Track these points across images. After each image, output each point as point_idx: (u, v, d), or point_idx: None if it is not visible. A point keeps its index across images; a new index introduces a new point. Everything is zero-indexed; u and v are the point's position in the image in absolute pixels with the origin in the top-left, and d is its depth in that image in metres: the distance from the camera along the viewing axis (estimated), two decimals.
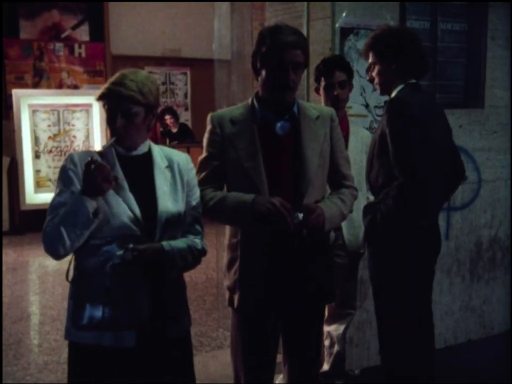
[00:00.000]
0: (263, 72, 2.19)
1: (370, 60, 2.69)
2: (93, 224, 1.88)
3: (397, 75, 2.63)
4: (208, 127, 2.29)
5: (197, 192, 2.15)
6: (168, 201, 2.03)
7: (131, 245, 1.91)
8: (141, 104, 1.99)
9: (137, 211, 1.97)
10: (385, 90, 2.71)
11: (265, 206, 2.07)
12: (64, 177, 1.98)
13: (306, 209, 2.14)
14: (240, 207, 2.14)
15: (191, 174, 2.14)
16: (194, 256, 2.08)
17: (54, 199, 1.97)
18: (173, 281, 2.08)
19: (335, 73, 3.00)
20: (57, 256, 1.93)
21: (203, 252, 2.12)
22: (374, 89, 2.79)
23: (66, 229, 1.87)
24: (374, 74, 2.68)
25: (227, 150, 2.24)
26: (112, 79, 2.02)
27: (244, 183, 2.20)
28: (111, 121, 1.99)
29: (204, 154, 2.29)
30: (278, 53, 2.13)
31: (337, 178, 2.37)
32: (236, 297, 2.27)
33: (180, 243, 2.04)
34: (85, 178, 1.86)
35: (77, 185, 1.94)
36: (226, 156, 2.24)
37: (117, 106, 1.97)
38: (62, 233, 1.87)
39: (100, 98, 2.00)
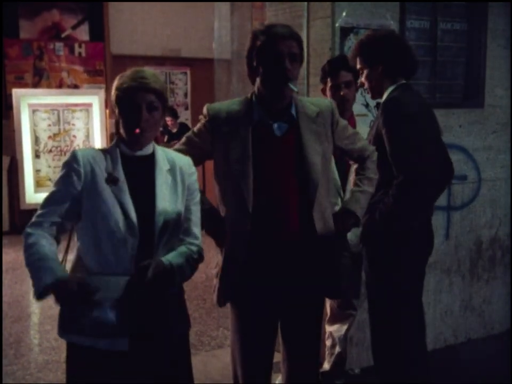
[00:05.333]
0: (260, 68, 2.18)
1: (358, 66, 2.72)
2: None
3: (385, 77, 2.66)
4: (203, 117, 2.30)
5: (197, 196, 2.14)
6: (167, 204, 2.01)
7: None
8: (161, 99, 2.00)
9: (133, 216, 1.95)
10: (376, 93, 2.74)
11: None
12: (64, 175, 1.97)
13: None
14: None
15: (193, 179, 2.12)
16: (192, 268, 2.07)
17: (50, 192, 1.98)
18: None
19: (341, 74, 2.99)
20: None
21: (200, 259, 2.11)
22: (367, 93, 2.82)
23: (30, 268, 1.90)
24: (363, 79, 2.71)
25: (217, 150, 2.25)
26: (128, 75, 1.99)
27: (230, 185, 2.21)
28: (133, 115, 1.96)
29: (190, 133, 2.33)
30: (273, 45, 2.13)
31: (358, 155, 2.43)
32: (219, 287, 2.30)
33: (177, 258, 2.02)
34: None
35: (76, 186, 1.94)
36: (216, 155, 2.26)
37: (142, 100, 1.95)
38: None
39: (125, 91, 1.96)
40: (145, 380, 2.03)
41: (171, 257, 2.00)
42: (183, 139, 2.34)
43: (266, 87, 2.19)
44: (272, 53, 2.14)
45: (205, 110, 2.30)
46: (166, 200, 2.02)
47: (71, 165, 1.97)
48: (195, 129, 2.33)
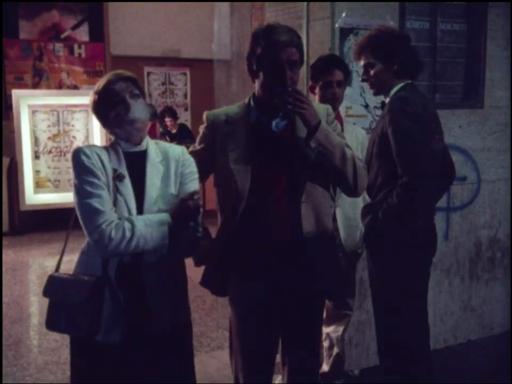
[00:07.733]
0: (260, 74, 2.18)
1: (366, 61, 2.68)
2: None
3: (396, 75, 2.64)
4: (203, 124, 2.32)
5: (195, 174, 2.17)
6: (157, 195, 2.05)
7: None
8: (138, 87, 2.06)
9: (134, 212, 2.00)
10: (381, 90, 2.71)
11: None
12: (82, 170, 1.97)
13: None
14: None
15: (187, 163, 2.15)
16: (202, 237, 2.11)
17: (80, 192, 1.95)
18: (163, 274, 2.10)
19: (334, 72, 2.99)
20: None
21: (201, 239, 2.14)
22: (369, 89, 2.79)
23: None
24: (371, 74, 2.67)
25: (216, 152, 2.25)
26: (101, 80, 2.08)
27: (230, 185, 2.20)
28: (121, 108, 2.00)
29: (194, 147, 2.34)
30: (273, 54, 2.12)
31: None
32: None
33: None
34: None
35: (99, 175, 1.96)
36: (215, 158, 2.26)
37: (123, 90, 2.01)
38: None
39: (105, 88, 2.02)
40: (142, 374, 2.05)
41: None
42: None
43: (265, 91, 2.20)
44: (272, 62, 2.13)
45: (204, 117, 2.32)
46: (156, 192, 2.05)
47: (83, 159, 1.98)
48: (197, 140, 2.36)
